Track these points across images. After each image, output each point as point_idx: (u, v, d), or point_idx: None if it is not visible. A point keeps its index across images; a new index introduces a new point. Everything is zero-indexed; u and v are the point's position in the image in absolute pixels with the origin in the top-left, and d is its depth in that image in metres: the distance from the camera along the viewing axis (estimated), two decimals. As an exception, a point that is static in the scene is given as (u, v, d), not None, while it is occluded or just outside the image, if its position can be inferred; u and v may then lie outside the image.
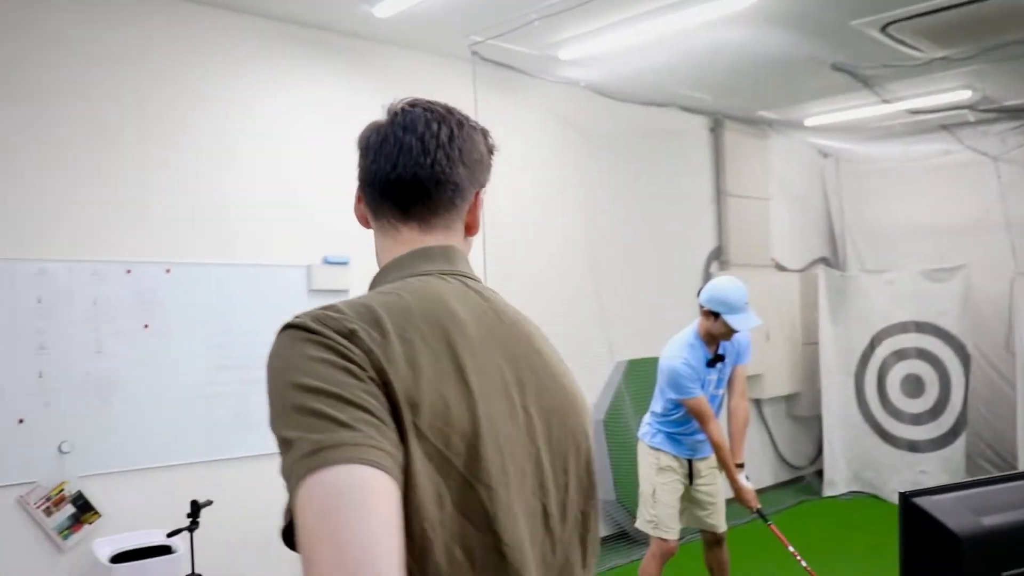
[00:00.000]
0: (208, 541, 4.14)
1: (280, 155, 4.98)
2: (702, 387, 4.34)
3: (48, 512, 4.14)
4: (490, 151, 1.49)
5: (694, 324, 4.46)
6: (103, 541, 4.15)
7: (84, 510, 4.23)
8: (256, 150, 4.89)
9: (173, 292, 4.50)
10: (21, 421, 4.07)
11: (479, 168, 1.46)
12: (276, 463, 1.19)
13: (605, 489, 6.32)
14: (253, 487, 4.76)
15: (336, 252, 5.07)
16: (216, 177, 4.74)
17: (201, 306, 4.58)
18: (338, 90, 5.26)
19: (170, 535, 3.89)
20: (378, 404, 1.18)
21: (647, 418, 4.64)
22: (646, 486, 4.49)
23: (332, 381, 1.18)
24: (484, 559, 1.23)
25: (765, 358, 7.48)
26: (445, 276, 1.40)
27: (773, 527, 4.52)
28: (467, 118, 1.46)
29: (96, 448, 4.25)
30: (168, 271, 4.49)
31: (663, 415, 4.48)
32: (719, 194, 7.65)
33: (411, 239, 1.46)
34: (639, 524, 4.53)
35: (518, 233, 5.82)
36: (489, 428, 1.26)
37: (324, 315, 1.28)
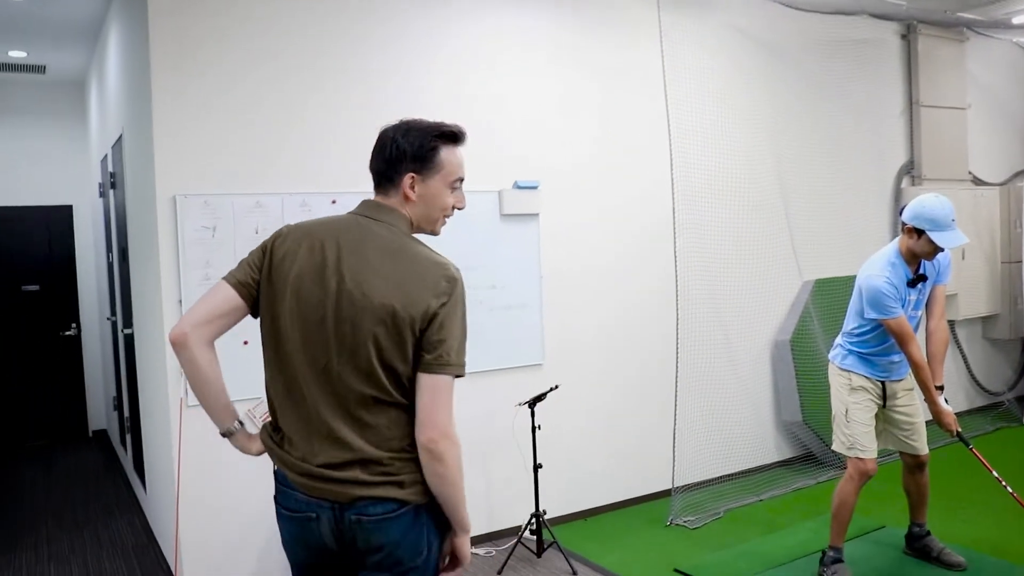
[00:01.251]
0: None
1: (471, 83, 5.10)
2: (902, 307, 4.22)
3: (273, 424, 4.50)
4: (419, 147, 2.29)
5: (895, 242, 4.31)
6: (322, 451, 4.47)
7: (303, 423, 4.57)
8: (447, 78, 5.03)
9: (374, 220, 4.71)
10: (245, 343, 4.41)
11: (397, 162, 2.28)
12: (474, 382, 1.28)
13: (791, 411, 6.27)
14: (459, 403, 4.99)
15: (526, 177, 5.17)
16: (410, 108, 4.88)
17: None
18: (525, 17, 5.30)
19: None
20: (255, 262, 2.30)
21: (839, 339, 4.55)
22: (839, 407, 4.43)
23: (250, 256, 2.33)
24: (273, 346, 2.29)
25: (961, 278, 7.15)
26: (354, 213, 2.33)
27: (975, 451, 4.39)
28: (406, 130, 2.33)
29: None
30: (369, 200, 4.70)
31: (857, 336, 4.38)
32: (911, 105, 7.26)
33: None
34: (835, 447, 4.48)
35: (703, 153, 5.74)
36: (296, 285, 2.21)
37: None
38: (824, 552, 4.44)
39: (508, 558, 4.85)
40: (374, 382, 2.18)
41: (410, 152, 2.27)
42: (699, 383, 5.72)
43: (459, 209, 2.39)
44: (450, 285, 2.19)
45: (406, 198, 2.28)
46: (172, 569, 4.60)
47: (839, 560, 4.38)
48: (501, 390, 5.15)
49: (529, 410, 4.81)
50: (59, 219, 8.57)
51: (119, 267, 6.20)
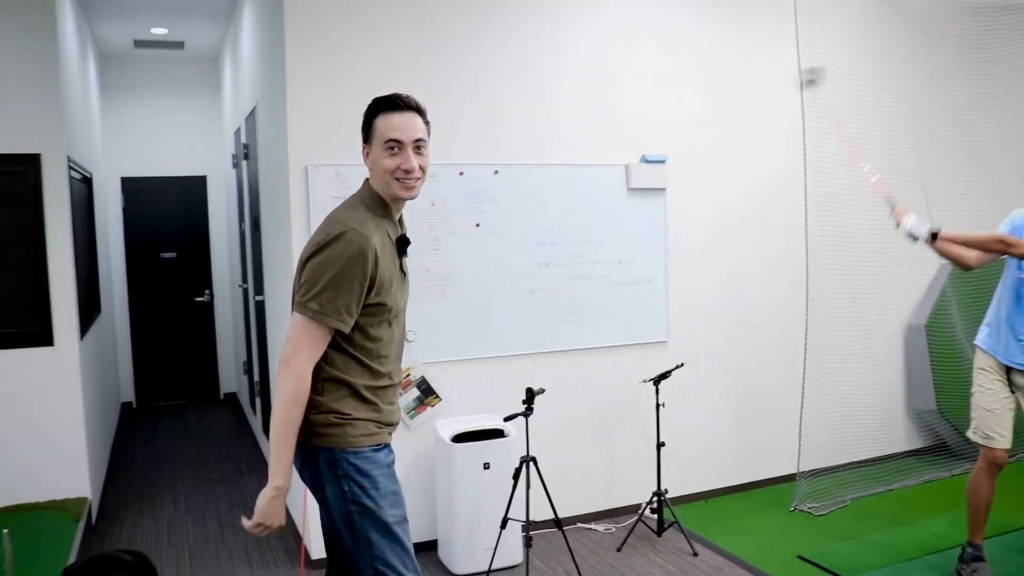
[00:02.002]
0: (540, 426, 4.41)
1: (602, 57, 5.02)
2: None
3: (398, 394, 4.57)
4: (363, 122, 2.52)
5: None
6: (444, 422, 4.53)
7: (427, 393, 4.64)
8: (579, 53, 4.97)
9: (500, 192, 4.72)
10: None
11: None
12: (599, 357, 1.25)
13: (925, 398, 6.01)
14: (578, 378, 5.00)
15: (654, 151, 5.07)
16: (541, 81, 4.87)
17: (526, 205, 4.79)
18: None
19: (507, 419, 4.17)
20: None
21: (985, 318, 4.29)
22: (973, 389, 4.21)
23: None
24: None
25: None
26: None
27: None
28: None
29: (437, 338, 4.63)
30: (496, 172, 4.71)
31: (995, 304, 4.15)
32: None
33: None
34: (968, 433, 4.26)
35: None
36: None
37: None
38: (963, 548, 4.24)
39: (628, 536, 4.81)
40: None
41: (362, 128, 2.52)
42: (828, 366, 5.52)
43: (406, 171, 2.46)
44: (328, 238, 2.36)
45: (369, 170, 2.53)
46: (300, 529, 4.75)
47: (979, 558, 4.16)
48: (625, 366, 5.10)
49: (654, 387, 4.74)
50: (194, 189, 8.90)
51: (251, 236, 6.39)
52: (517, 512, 4.23)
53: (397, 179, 2.45)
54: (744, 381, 5.58)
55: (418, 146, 2.48)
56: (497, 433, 4.44)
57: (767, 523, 5.07)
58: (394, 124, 2.44)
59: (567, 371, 4.96)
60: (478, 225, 4.69)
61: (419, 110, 2.52)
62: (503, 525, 4.22)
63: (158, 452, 7.09)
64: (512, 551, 4.49)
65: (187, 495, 5.87)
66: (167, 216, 8.85)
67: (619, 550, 4.71)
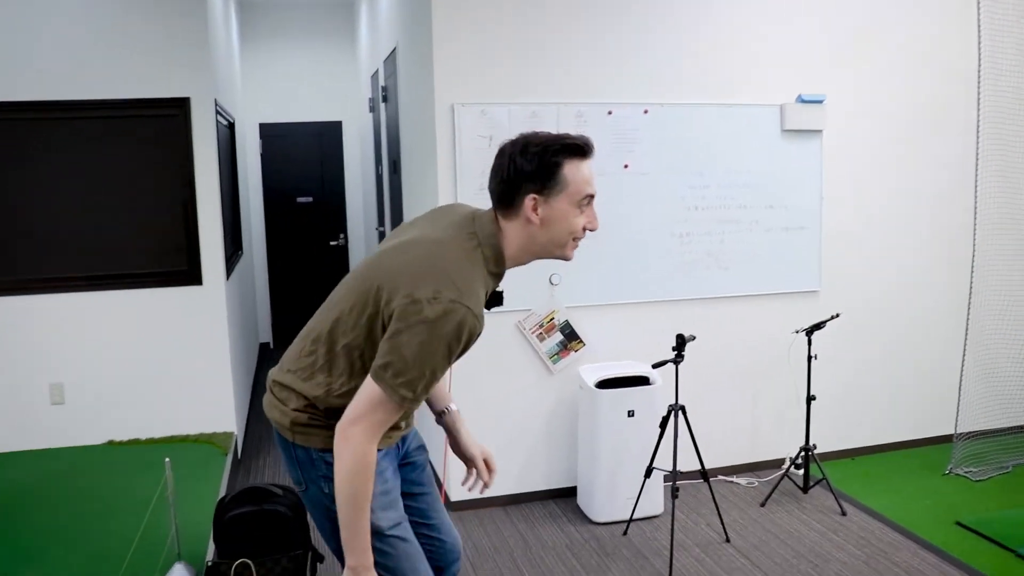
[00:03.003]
0: (683, 374, 4.26)
1: (755, -13, 4.77)
2: None
3: (541, 337, 4.51)
4: (539, 165, 2.00)
5: None
6: (588, 368, 4.44)
7: (571, 338, 4.55)
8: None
9: (651, 133, 4.55)
10: (520, 252, 4.41)
11: (516, 183, 2.02)
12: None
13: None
14: (726, 326, 4.83)
15: (811, 90, 4.79)
16: (691, 17, 4.64)
17: (676, 147, 4.60)
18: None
19: (655, 366, 4.05)
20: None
21: None
22: None
23: None
24: None
25: None
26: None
27: None
28: (524, 146, 2.02)
29: (582, 281, 4.53)
30: (646, 112, 4.54)
31: None
32: None
33: None
34: None
35: (1016, 73, 5.10)
36: None
37: None
38: None
39: (772, 491, 4.65)
40: None
41: (529, 170, 1.99)
42: (993, 321, 5.17)
43: (591, 231, 2.09)
44: (438, 312, 1.90)
45: (528, 221, 2.02)
46: (439, 472, 4.76)
47: None
48: (774, 315, 4.90)
49: (806, 338, 4.53)
50: (330, 134, 9.00)
51: (389, 178, 6.39)
52: (660, 462, 4.12)
53: (575, 239, 2.08)
54: (900, 335, 5.28)
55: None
56: (642, 380, 4.32)
57: (920, 485, 4.81)
58: (588, 176, 2.04)
59: (714, 319, 4.79)
60: (626, 166, 4.53)
61: None
62: (647, 474, 4.13)
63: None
64: (654, 501, 4.40)
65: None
66: (303, 161, 8.99)
67: (763, 505, 4.55)
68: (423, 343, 1.89)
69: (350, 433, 1.97)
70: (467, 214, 2.13)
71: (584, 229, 2.06)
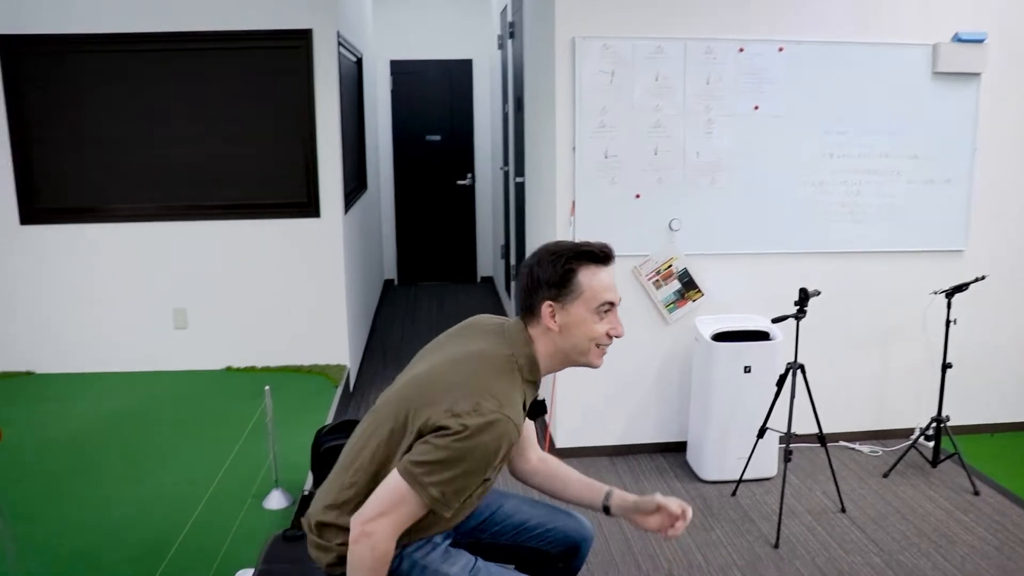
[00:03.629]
0: (807, 332, 4.02)
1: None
2: None
3: (657, 285, 4.33)
4: (553, 273, 2.04)
5: None
6: (705, 319, 4.24)
7: (688, 287, 4.35)
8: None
9: (785, 72, 4.25)
10: (638, 196, 4.23)
11: (535, 291, 2.06)
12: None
13: None
14: (857, 283, 4.52)
15: (970, 27, 4.36)
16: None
17: (813, 88, 4.28)
18: None
19: (775, 321, 3.82)
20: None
21: None
22: None
23: None
24: None
25: None
26: None
27: None
28: (540, 255, 2.07)
29: (703, 228, 4.30)
30: (781, 50, 4.23)
31: None
32: None
33: None
34: None
35: None
36: None
37: None
38: None
39: (897, 462, 4.36)
40: None
41: (544, 279, 2.03)
42: None
43: (616, 337, 2.07)
44: (479, 423, 1.86)
45: (548, 329, 2.05)
46: (546, 418, 4.67)
47: None
48: (910, 274, 4.55)
49: (946, 300, 4.18)
50: (459, 72, 8.92)
51: (514, 117, 6.27)
52: (775, 422, 3.90)
53: (599, 345, 2.08)
54: (1054, 303, 4.84)
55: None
56: (761, 335, 4.09)
57: (1068, 468, 4.43)
58: (606, 282, 2.05)
59: (844, 275, 4.48)
60: (757, 108, 4.25)
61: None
62: (760, 434, 3.92)
63: (416, 329, 7.31)
64: (766, 463, 4.19)
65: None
66: (433, 99, 8.95)
67: (885, 476, 4.28)
68: (462, 449, 1.85)
69: (371, 528, 1.90)
70: (495, 326, 2.15)
71: (608, 335, 2.06)
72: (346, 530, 2.00)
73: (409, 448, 1.93)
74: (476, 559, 2.12)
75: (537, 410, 2.13)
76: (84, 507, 3.83)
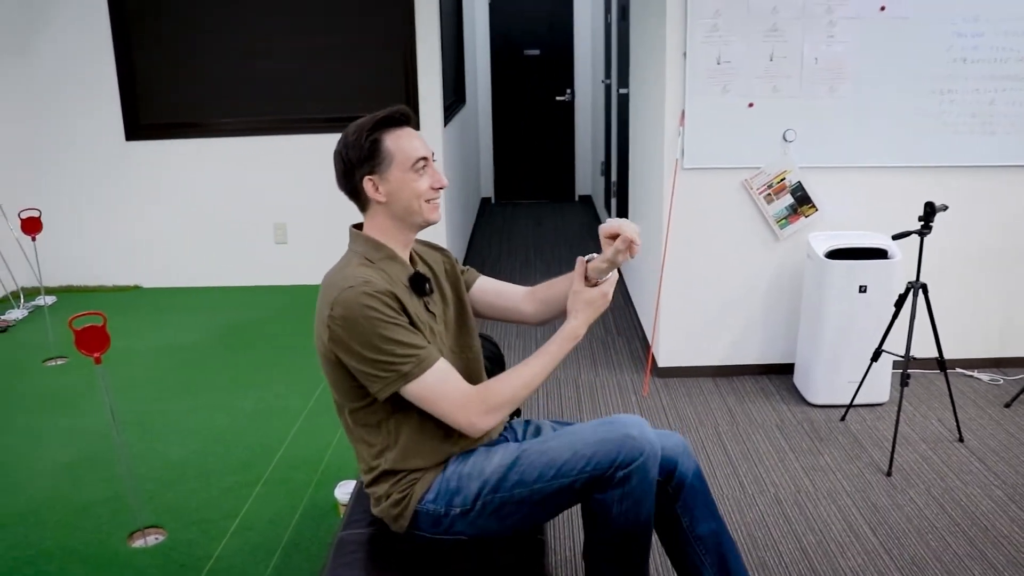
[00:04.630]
0: (929, 251, 3.78)
1: None
2: None
3: (768, 199, 4.12)
4: (360, 149, 2.03)
5: None
6: (819, 236, 4.03)
7: (802, 202, 4.13)
8: None
9: (918, -31, 3.92)
10: (751, 105, 4.01)
11: (351, 173, 2.07)
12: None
13: None
14: (988, 201, 4.22)
15: None
16: None
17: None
18: None
19: (896, 237, 3.59)
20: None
21: None
22: None
23: None
24: None
25: None
26: None
27: None
28: (344, 140, 2.06)
29: (820, 140, 4.06)
30: (914, -56, 3.90)
31: None
32: None
33: None
34: None
35: None
36: None
37: None
38: None
39: (1021, 392, 4.11)
40: None
41: (355, 158, 2.04)
42: None
43: (440, 188, 2.09)
44: (331, 309, 1.93)
45: (378, 203, 2.07)
46: (649, 336, 4.56)
47: None
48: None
49: (1086, 220, 3.88)
50: (562, -17, 8.65)
51: (618, 26, 6.03)
52: (891, 345, 3.70)
53: (428, 201, 2.07)
54: None
55: (434, 160, 2.11)
56: (879, 253, 3.87)
57: None
58: (414, 142, 2.04)
59: (973, 191, 4.18)
60: (883, 8, 3.94)
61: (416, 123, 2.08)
62: (875, 357, 3.73)
63: (512, 247, 7.24)
64: (879, 388, 4.00)
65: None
66: (532, 12, 8.71)
67: (1007, 406, 4.04)
68: (349, 330, 1.90)
69: (472, 429, 1.96)
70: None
71: (432, 188, 2.07)
72: (381, 481, 2.07)
73: (351, 378, 1.99)
74: (520, 446, 2.06)
75: (416, 283, 2.09)
76: (190, 416, 3.92)
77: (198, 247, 5.58)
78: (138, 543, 2.92)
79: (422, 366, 1.91)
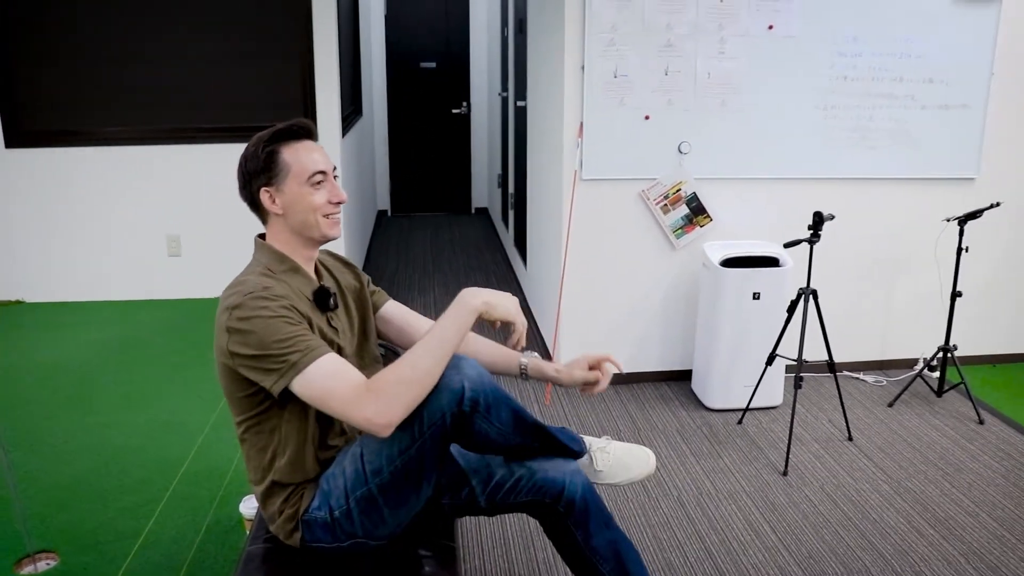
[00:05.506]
0: (818, 260, 3.95)
1: None
2: None
3: (665, 210, 4.23)
4: (256, 161, 2.03)
5: None
6: (714, 245, 4.16)
7: (697, 212, 4.26)
8: None
9: (801, -10, 4.10)
10: (647, 117, 4.11)
11: (249, 185, 2.07)
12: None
13: None
14: (867, 210, 4.43)
15: (994, -54, 4.22)
16: None
17: (827, 7, 4.12)
18: None
19: (787, 246, 3.74)
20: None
21: None
22: None
23: None
24: None
25: None
26: None
27: None
28: (244, 153, 2.05)
29: (713, 152, 4.19)
30: (796, -34, 4.08)
31: None
32: None
33: None
34: None
35: None
36: None
37: None
38: None
39: (902, 392, 4.33)
40: None
41: (253, 169, 2.04)
42: None
43: (339, 203, 2.08)
44: (229, 315, 1.90)
45: (276, 215, 2.06)
46: (549, 344, 4.61)
47: None
48: (922, 201, 4.46)
49: (958, 228, 4.11)
50: (456, -3, 8.69)
51: (515, 40, 6.10)
52: (783, 349, 3.85)
53: (326, 216, 2.05)
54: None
55: (335, 175, 2.11)
56: (771, 261, 4.02)
57: (1071, 398, 4.41)
58: (312, 155, 2.04)
59: (855, 201, 4.39)
60: (771, 27, 4.11)
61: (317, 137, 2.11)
62: (769, 361, 3.87)
63: (410, 259, 7.21)
64: (773, 391, 4.15)
65: (436, 302, 5.91)
66: (428, 25, 8.72)
67: (891, 406, 4.25)
68: (248, 328, 1.87)
69: (370, 425, 1.83)
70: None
71: (330, 203, 2.05)
72: (272, 489, 2.04)
73: (247, 385, 1.96)
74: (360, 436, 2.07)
75: (320, 297, 2.08)
76: (82, 435, 3.77)
77: (86, 260, 5.37)
78: (27, 569, 2.79)
79: (311, 355, 1.84)
